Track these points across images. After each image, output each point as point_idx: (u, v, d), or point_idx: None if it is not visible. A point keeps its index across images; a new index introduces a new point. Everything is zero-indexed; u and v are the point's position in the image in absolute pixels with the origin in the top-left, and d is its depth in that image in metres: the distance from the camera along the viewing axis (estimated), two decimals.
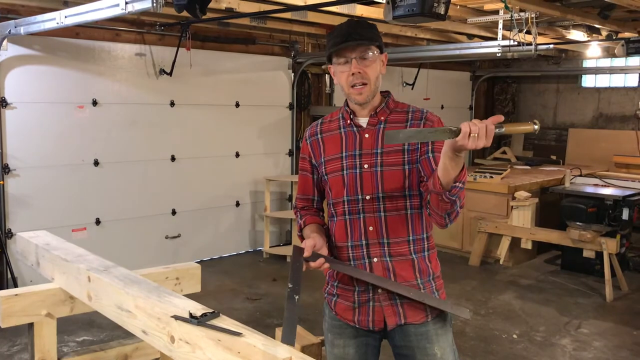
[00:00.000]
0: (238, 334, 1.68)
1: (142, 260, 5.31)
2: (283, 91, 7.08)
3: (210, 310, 1.85)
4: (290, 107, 7.14)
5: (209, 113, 6.39)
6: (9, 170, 5.02)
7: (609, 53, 7.78)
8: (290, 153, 7.22)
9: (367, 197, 2.00)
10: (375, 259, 2.00)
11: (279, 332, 2.45)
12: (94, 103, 5.50)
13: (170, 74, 5.86)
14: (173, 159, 6.14)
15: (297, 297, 1.91)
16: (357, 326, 2.07)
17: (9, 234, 5.01)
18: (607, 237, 5.48)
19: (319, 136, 2.13)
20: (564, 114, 9.30)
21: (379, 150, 2.00)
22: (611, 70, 8.54)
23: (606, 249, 5.40)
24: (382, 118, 2.03)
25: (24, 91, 5.07)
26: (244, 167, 6.77)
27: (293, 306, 1.90)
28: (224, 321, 1.81)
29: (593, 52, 7.89)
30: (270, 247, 6.71)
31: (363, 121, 2.05)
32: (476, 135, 1.59)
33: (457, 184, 1.76)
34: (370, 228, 2.00)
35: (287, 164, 7.23)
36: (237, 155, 6.71)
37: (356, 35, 1.94)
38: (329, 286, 2.15)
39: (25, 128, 5.11)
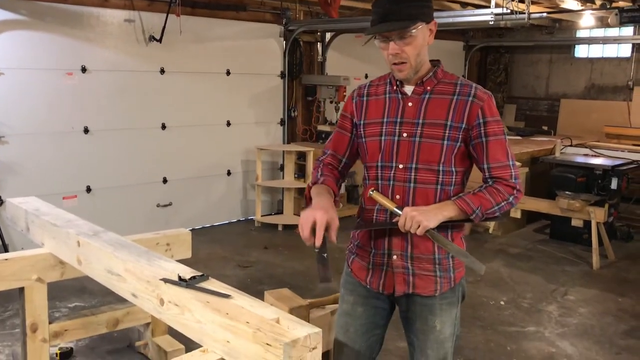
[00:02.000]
0: (227, 296, 1.71)
1: (134, 228, 5.27)
2: (274, 59, 7.02)
3: (199, 274, 1.87)
4: (282, 75, 7.09)
5: (199, 81, 6.33)
6: None
7: (603, 23, 7.74)
8: (282, 122, 7.20)
9: (400, 166, 1.99)
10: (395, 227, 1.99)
11: (268, 295, 2.48)
12: (83, 70, 5.44)
13: (160, 40, 5.78)
14: (164, 127, 6.10)
15: (325, 254, 1.89)
16: (368, 286, 2.11)
17: None
18: (596, 207, 5.53)
19: (365, 98, 2.10)
20: (556, 85, 9.29)
21: (421, 121, 1.97)
22: (604, 41, 8.50)
23: (594, 218, 5.45)
24: (429, 88, 1.99)
25: (11, 57, 5.00)
26: (235, 136, 6.75)
27: (323, 259, 1.88)
28: (213, 284, 1.83)
29: (586, 22, 7.85)
30: (261, 216, 6.73)
31: (409, 89, 2.01)
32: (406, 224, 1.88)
33: (471, 216, 1.92)
34: (397, 197, 2.00)
35: (279, 133, 7.21)
36: (228, 124, 6.68)
37: (393, 15, 1.88)
38: (351, 244, 2.19)
39: (13, 94, 5.05)
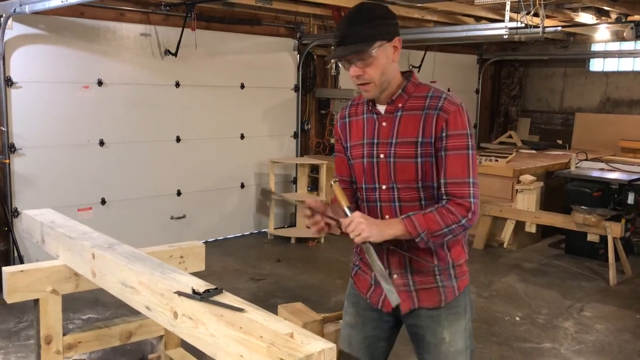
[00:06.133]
0: (240, 310, 1.70)
1: (148, 241, 5.32)
2: (288, 73, 7.05)
3: (213, 287, 1.86)
4: (296, 89, 7.12)
5: (214, 94, 6.38)
6: (14, 149, 5.04)
7: (618, 37, 7.69)
8: (295, 135, 7.21)
9: (383, 187, 1.99)
10: (391, 247, 1.99)
11: (281, 309, 2.47)
12: (99, 83, 5.50)
13: (175, 54, 5.84)
14: (178, 139, 6.14)
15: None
16: (369, 301, 2.10)
17: (15, 213, 5.04)
18: (612, 222, 5.46)
19: (347, 120, 2.12)
20: (571, 98, 9.23)
21: (394, 141, 1.96)
22: (620, 54, 8.45)
23: (611, 233, 5.38)
24: (400, 105, 1.97)
25: (29, 70, 5.07)
26: (248, 149, 6.77)
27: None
28: (227, 297, 1.83)
29: (602, 36, 7.80)
30: (274, 228, 6.73)
31: (382, 108, 2.00)
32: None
33: (416, 239, 1.86)
34: (387, 216, 2.00)
35: (292, 146, 7.23)
36: (242, 137, 6.71)
37: (350, 39, 1.87)
38: (354, 257, 2.19)
39: (30, 107, 5.11)
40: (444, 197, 1.91)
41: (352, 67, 1.91)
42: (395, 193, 1.98)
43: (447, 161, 1.90)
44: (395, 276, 2.02)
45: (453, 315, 2.03)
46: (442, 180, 1.91)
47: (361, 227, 1.83)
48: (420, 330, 2.06)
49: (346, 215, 1.90)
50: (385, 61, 1.91)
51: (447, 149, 1.90)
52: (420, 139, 1.92)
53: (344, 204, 1.93)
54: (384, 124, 1.99)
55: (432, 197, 1.97)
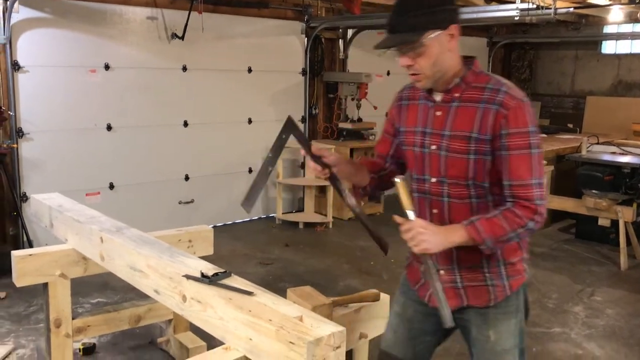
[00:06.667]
0: (249, 293, 1.69)
1: (156, 225, 5.31)
2: (296, 56, 7.00)
3: (222, 270, 1.85)
4: (303, 72, 7.06)
5: (221, 78, 6.34)
6: (22, 134, 5.04)
7: (632, 18, 7.56)
8: (303, 120, 7.17)
9: (433, 180, 1.91)
10: None
11: (290, 293, 2.46)
12: (106, 67, 5.47)
13: (182, 38, 5.80)
14: (186, 124, 6.12)
15: (270, 168, 2.07)
16: (417, 294, 2.06)
17: (24, 197, 5.06)
18: (623, 206, 5.41)
19: (403, 102, 2.04)
20: (582, 82, 9.12)
21: (447, 133, 1.85)
22: (633, 36, 8.32)
23: (622, 217, 5.33)
24: (457, 95, 1.85)
25: (36, 54, 5.05)
26: (256, 133, 6.74)
27: (265, 175, 2.07)
28: (236, 281, 1.81)
29: (614, 17, 7.66)
30: (282, 213, 6.72)
31: (438, 96, 1.90)
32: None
33: (481, 246, 1.78)
34: (435, 211, 1.92)
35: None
36: (250, 121, 6.68)
37: (399, 27, 1.78)
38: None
39: (38, 92, 5.10)
40: (508, 199, 1.80)
41: (402, 56, 1.81)
42: (445, 188, 1.89)
43: (510, 161, 1.78)
44: (442, 272, 1.94)
45: (502, 315, 1.94)
46: (505, 182, 1.80)
47: (421, 237, 1.74)
48: (467, 324, 1.99)
49: (407, 219, 1.79)
50: (439, 51, 1.78)
51: (508, 148, 1.77)
52: (475, 135, 1.80)
53: (407, 206, 1.80)
54: (438, 113, 1.89)
55: (484, 195, 1.87)
